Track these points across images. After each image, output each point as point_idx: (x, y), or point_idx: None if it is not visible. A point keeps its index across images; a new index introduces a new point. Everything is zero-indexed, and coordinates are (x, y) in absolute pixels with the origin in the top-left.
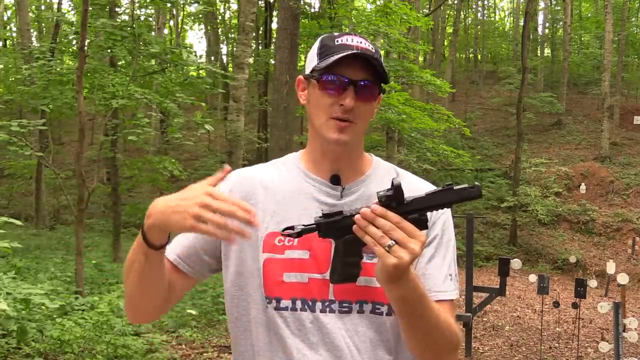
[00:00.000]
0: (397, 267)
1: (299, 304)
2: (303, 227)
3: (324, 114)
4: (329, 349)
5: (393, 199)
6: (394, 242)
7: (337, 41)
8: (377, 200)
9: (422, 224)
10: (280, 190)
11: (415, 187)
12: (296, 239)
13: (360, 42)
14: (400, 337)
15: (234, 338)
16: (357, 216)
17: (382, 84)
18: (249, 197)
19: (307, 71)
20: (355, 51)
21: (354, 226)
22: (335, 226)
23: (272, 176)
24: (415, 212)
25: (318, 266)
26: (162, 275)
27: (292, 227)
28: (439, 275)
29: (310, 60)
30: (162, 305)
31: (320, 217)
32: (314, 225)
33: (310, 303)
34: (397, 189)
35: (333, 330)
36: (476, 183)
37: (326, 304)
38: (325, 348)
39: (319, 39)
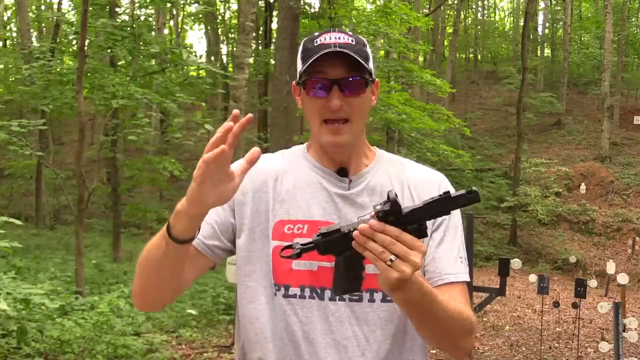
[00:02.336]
0: (400, 280)
1: (307, 292)
2: (301, 247)
3: (317, 118)
4: (336, 338)
5: (391, 213)
6: (395, 257)
7: (316, 42)
8: (374, 212)
9: (422, 233)
10: (289, 179)
11: (419, 177)
12: (305, 227)
13: (339, 38)
14: (410, 322)
15: (243, 326)
16: (356, 232)
17: (369, 74)
18: (261, 188)
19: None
20: (329, 49)
21: (353, 242)
22: (334, 244)
23: (281, 165)
24: (414, 223)
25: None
26: (184, 266)
27: (290, 247)
28: (449, 257)
29: (298, 65)
30: (178, 291)
31: (318, 235)
32: (312, 245)
33: (319, 291)
34: (393, 203)
35: (341, 319)
36: (474, 188)
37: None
38: (332, 337)
39: (302, 42)
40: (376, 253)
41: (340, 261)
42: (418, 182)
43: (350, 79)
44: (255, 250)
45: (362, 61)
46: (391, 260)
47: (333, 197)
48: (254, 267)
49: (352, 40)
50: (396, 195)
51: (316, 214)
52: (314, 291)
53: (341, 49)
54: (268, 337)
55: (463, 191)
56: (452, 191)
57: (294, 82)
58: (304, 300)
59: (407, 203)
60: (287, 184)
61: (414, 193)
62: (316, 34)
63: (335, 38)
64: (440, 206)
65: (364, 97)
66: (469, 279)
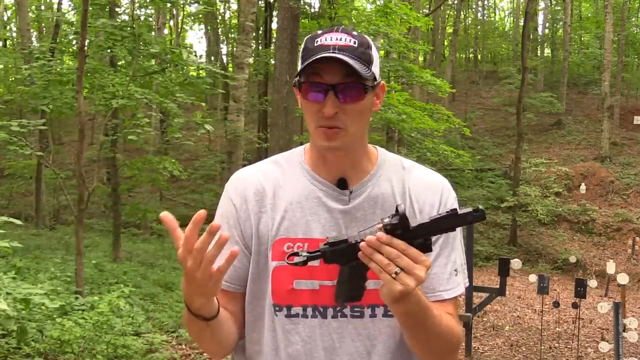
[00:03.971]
0: (403, 293)
1: (309, 311)
2: (308, 254)
3: (312, 122)
4: (339, 355)
5: (398, 227)
6: (400, 270)
7: (317, 42)
8: (381, 224)
9: (427, 248)
10: (287, 195)
11: (421, 185)
12: (306, 245)
13: (340, 39)
14: None
15: (249, 340)
16: (363, 244)
17: (371, 79)
18: (260, 209)
19: None
20: (326, 53)
21: (360, 253)
22: (340, 253)
23: (277, 178)
24: (420, 237)
25: (329, 273)
26: (230, 323)
27: (297, 254)
28: (444, 274)
29: (299, 63)
30: (241, 334)
31: (325, 244)
32: (319, 253)
33: (321, 309)
34: (402, 217)
35: (343, 335)
36: (480, 207)
37: (337, 309)
38: (335, 354)
39: (305, 39)
40: (382, 265)
41: (344, 271)
42: (420, 191)
43: (348, 85)
44: (257, 272)
45: (359, 67)
46: (396, 273)
47: (333, 214)
48: (256, 288)
49: (355, 42)
50: (405, 210)
51: (316, 232)
52: (316, 310)
53: (339, 52)
54: (270, 357)
55: (470, 209)
56: (456, 207)
57: (294, 80)
58: (306, 319)
59: (408, 212)
60: (284, 201)
61: (415, 203)
62: (319, 32)
63: (337, 39)
64: (446, 223)
65: (362, 104)
66: (463, 289)
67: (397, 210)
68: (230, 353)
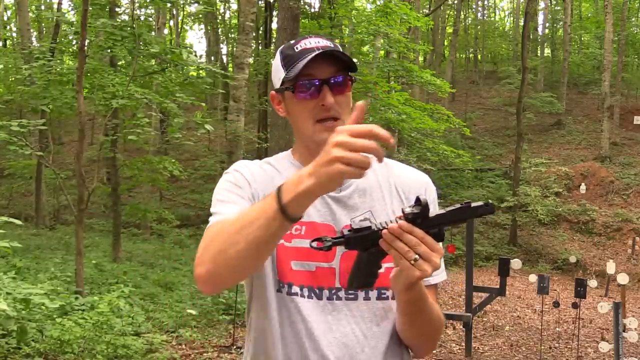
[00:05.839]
0: (420, 279)
1: (306, 292)
2: (332, 240)
3: (310, 120)
4: (336, 336)
5: (419, 216)
6: (418, 257)
7: (297, 48)
8: (402, 214)
9: (441, 237)
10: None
11: (405, 179)
12: (303, 228)
13: (318, 42)
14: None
15: (255, 322)
16: (385, 231)
17: (351, 72)
18: (264, 186)
19: (277, 85)
20: (317, 51)
21: (381, 240)
22: (363, 240)
23: (273, 173)
24: (436, 227)
25: (325, 255)
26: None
27: (320, 239)
28: None
29: (277, 73)
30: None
31: (349, 231)
32: (343, 239)
33: (317, 291)
34: (424, 207)
35: (339, 317)
36: (489, 201)
37: (333, 291)
38: (333, 335)
39: (278, 52)
40: (402, 252)
41: (363, 257)
42: (405, 184)
43: (339, 78)
44: None
45: (344, 60)
46: (415, 260)
47: (326, 200)
48: (262, 269)
49: (331, 44)
50: (426, 200)
51: (313, 216)
52: (312, 291)
53: (326, 51)
54: (275, 334)
55: (481, 203)
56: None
57: (272, 92)
58: (303, 299)
59: (397, 204)
60: None
61: (402, 194)
62: (292, 42)
63: (316, 42)
64: (460, 214)
65: (348, 96)
66: (445, 277)
67: (417, 200)
68: (245, 278)
